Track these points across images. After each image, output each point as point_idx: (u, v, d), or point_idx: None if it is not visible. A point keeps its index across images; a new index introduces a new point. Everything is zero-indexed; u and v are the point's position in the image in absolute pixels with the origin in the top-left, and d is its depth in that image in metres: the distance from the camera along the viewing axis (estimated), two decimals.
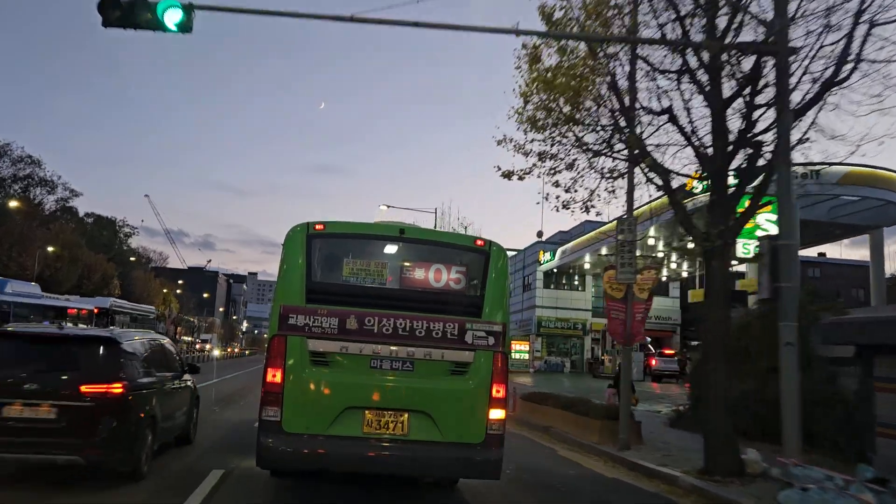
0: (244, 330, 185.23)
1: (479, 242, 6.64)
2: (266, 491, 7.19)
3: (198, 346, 68.25)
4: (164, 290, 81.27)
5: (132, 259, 77.81)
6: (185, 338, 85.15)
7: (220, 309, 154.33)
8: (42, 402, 6.50)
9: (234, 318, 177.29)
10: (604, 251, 42.20)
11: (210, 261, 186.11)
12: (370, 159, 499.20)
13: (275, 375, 5.93)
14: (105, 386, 6.77)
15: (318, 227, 6.26)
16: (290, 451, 5.89)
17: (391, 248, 6.58)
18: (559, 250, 47.22)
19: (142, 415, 7.26)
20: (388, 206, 39.47)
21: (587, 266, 46.69)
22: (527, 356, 49.15)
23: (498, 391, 6.21)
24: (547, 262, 48.87)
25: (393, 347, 6.09)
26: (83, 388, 6.67)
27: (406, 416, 6.06)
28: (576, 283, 51.77)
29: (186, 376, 9.77)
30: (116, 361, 7.08)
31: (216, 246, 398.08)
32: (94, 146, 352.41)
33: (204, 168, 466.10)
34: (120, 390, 6.84)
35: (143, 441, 7.20)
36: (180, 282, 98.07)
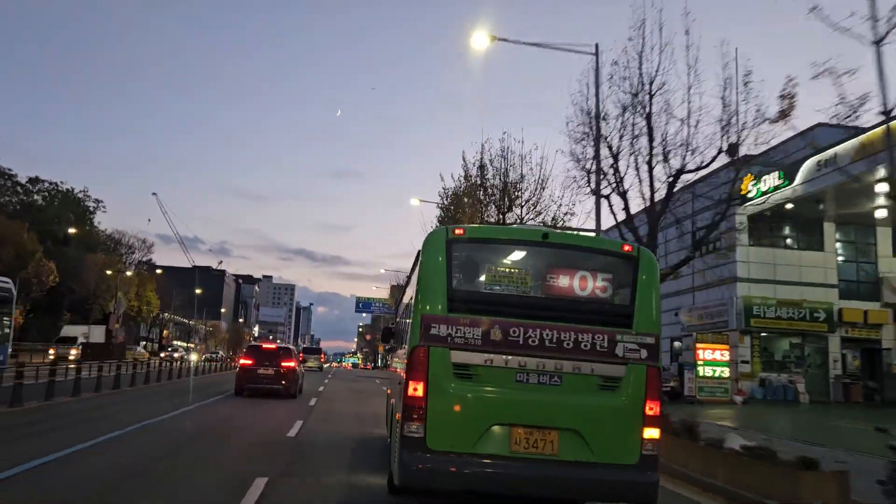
0: (256, 335, 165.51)
1: (626, 248, 6.14)
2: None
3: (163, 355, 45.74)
4: (110, 272, 58.36)
5: (71, 231, 55.26)
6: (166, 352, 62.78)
7: (223, 310, 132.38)
8: (270, 368, 19.76)
9: (242, 320, 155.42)
10: None
11: (221, 262, 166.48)
12: (392, 163, 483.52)
13: (416, 389, 5.64)
14: (290, 363, 20.16)
15: (456, 231, 6.02)
16: (435, 469, 5.54)
17: (534, 254, 6.14)
18: (806, 165, 23.93)
19: (298, 374, 21.28)
20: (497, 38, 17.27)
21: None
22: (726, 373, 26.09)
23: (651, 408, 5.74)
24: (770, 190, 25.29)
25: (540, 360, 5.72)
26: (282, 364, 19.96)
27: (555, 434, 5.66)
28: (788, 235, 28.54)
29: (301, 365, 23.36)
30: (292, 354, 20.97)
31: (232, 252, 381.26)
32: (112, 154, 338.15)
33: (222, 174, 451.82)
34: (294, 365, 20.36)
35: (298, 385, 21.15)
36: (158, 271, 75.81)
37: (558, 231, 7.32)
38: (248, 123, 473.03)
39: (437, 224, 31.09)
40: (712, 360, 26.46)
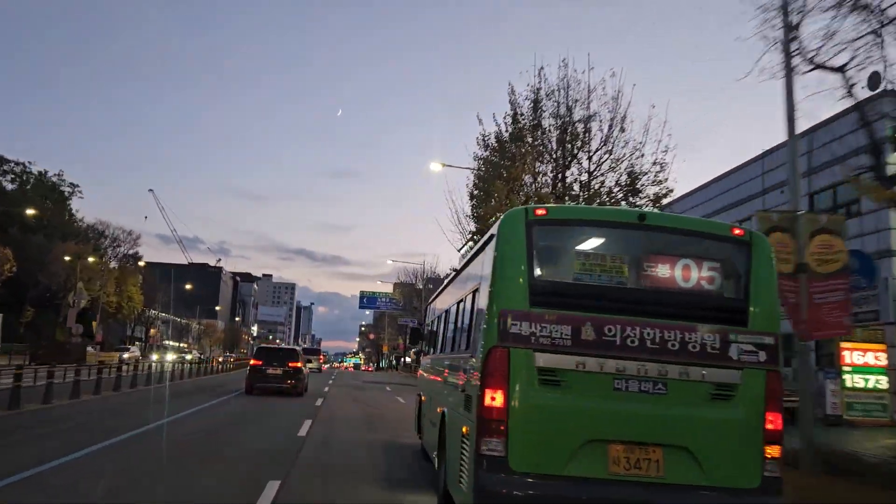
0: (254, 335, 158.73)
1: (737, 231, 5.24)
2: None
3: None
4: (69, 258, 50.95)
5: (30, 212, 47.80)
6: (129, 351, 55.56)
7: (219, 308, 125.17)
8: (278, 368, 21.71)
9: (239, 319, 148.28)
10: None
11: (220, 259, 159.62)
12: (392, 163, 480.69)
13: (494, 398, 4.68)
14: (296, 363, 22.02)
15: (538, 212, 5.11)
16: (519, 495, 4.56)
17: (628, 238, 5.18)
18: None
19: (304, 374, 23.19)
20: None
21: None
22: (883, 383, 18.68)
23: (772, 422, 4.81)
24: None
25: (641, 364, 4.75)
26: (289, 363, 21.83)
27: (660, 452, 4.69)
28: None
29: (305, 366, 24.45)
30: (297, 355, 23.01)
31: (232, 252, 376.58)
32: (112, 153, 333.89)
33: (222, 174, 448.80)
34: (300, 365, 22.30)
35: (304, 383, 23.01)
36: (141, 263, 68.52)
37: (657, 213, 6.52)
38: (248, 123, 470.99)
39: (474, 181, 23.69)
40: (863, 365, 19.09)
